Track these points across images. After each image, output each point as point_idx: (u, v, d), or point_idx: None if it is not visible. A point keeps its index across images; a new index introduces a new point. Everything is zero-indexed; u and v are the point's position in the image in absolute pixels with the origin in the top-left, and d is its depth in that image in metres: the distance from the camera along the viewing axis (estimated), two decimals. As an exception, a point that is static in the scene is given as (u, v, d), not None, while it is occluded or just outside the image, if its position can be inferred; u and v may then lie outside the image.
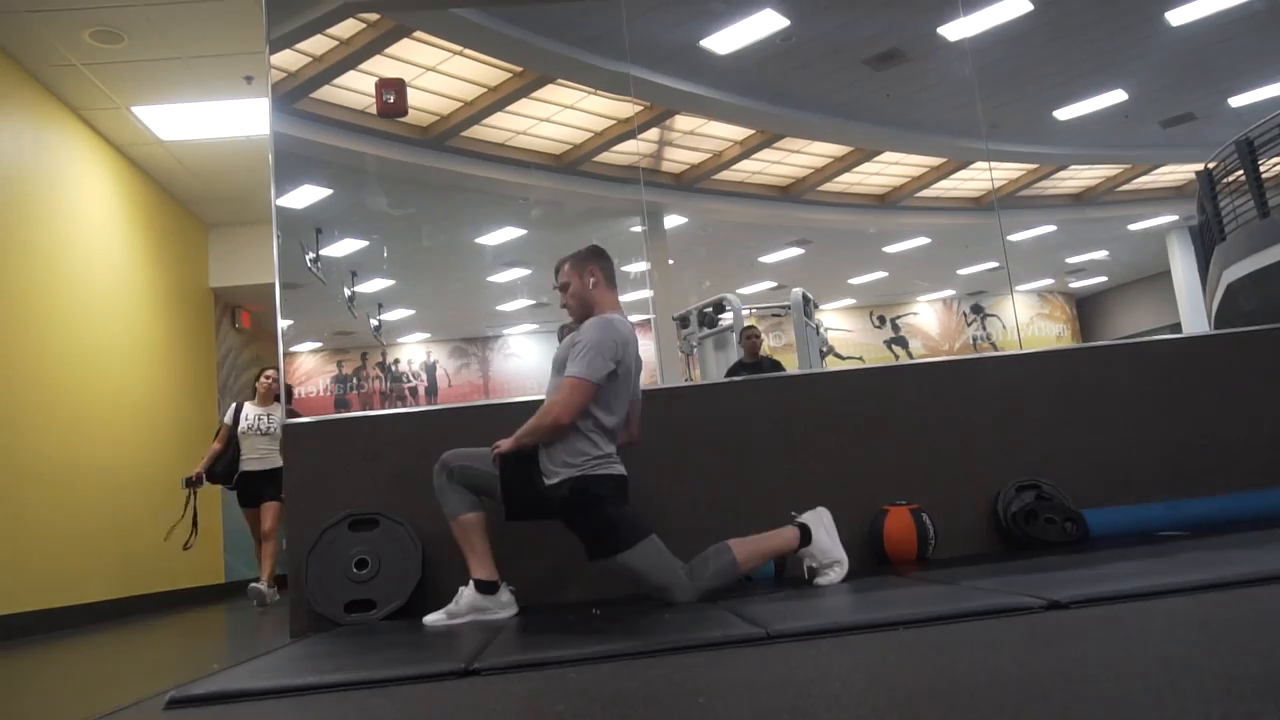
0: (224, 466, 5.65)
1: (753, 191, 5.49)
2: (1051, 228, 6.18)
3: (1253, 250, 5.27)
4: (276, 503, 5.49)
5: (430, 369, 5.74)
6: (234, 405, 5.74)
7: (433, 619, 2.90)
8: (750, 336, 5.26)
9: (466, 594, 2.90)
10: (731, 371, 5.11)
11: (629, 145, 4.82)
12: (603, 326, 2.92)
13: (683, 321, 5.11)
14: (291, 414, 3.95)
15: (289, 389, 4.27)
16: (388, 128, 4.57)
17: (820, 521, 3.00)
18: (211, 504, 8.03)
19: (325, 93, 4.51)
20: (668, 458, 3.66)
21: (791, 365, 5.22)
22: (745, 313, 5.29)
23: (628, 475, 2.96)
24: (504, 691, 1.66)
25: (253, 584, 5.36)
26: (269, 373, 5.71)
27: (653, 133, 5.13)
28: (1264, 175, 5.37)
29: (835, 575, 2.94)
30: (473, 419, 3.71)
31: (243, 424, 5.67)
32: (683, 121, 5.20)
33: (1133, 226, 6.69)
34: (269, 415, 5.63)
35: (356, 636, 2.83)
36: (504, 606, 2.94)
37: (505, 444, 2.90)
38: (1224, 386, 3.88)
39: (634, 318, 5.26)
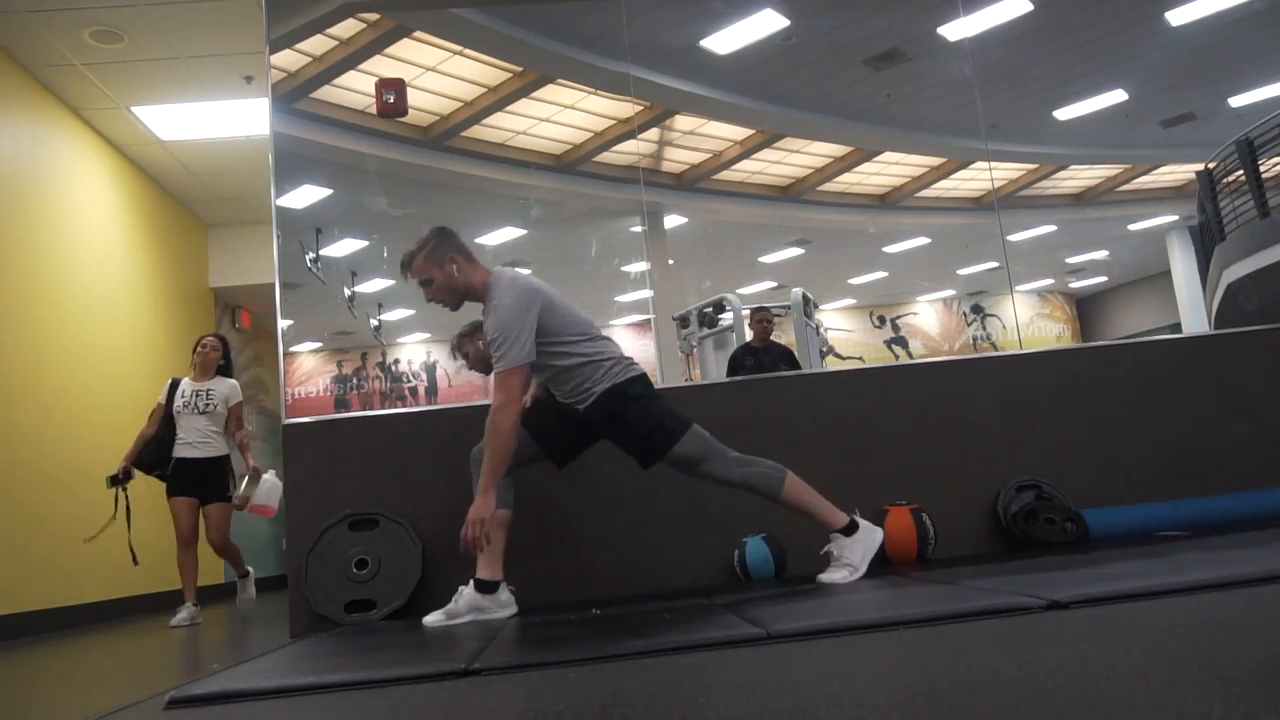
0: (154, 453, 4.81)
1: (753, 191, 5.49)
2: (1051, 228, 6.17)
3: (1253, 250, 5.27)
4: (221, 504, 4.74)
5: (430, 369, 5.73)
6: (169, 382, 4.98)
7: (432, 619, 2.90)
8: (761, 320, 5.12)
9: (466, 593, 2.90)
10: (738, 356, 5.02)
11: (629, 145, 4.82)
12: (502, 309, 2.77)
13: (683, 321, 5.11)
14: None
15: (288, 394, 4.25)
16: (388, 128, 4.57)
17: (870, 533, 3.00)
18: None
19: (325, 93, 4.51)
20: (668, 458, 3.66)
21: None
22: (745, 313, 5.29)
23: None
24: (504, 691, 1.66)
25: (242, 597, 5.07)
26: (206, 340, 4.92)
27: (653, 133, 5.13)
28: (1264, 175, 5.37)
29: (840, 577, 2.94)
30: (473, 419, 3.69)
31: (178, 401, 4.83)
32: (683, 121, 5.20)
33: (1133, 226, 6.69)
34: (209, 391, 4.81)
35: (356, 636, 2.83)
36: (503, 606, 2.94)
37: (481, 502, 2.74)
38: (1224, 386, 3.88)
39: (634, 318, 5.26)
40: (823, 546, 3.01)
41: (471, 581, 2.91)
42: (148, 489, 4.95)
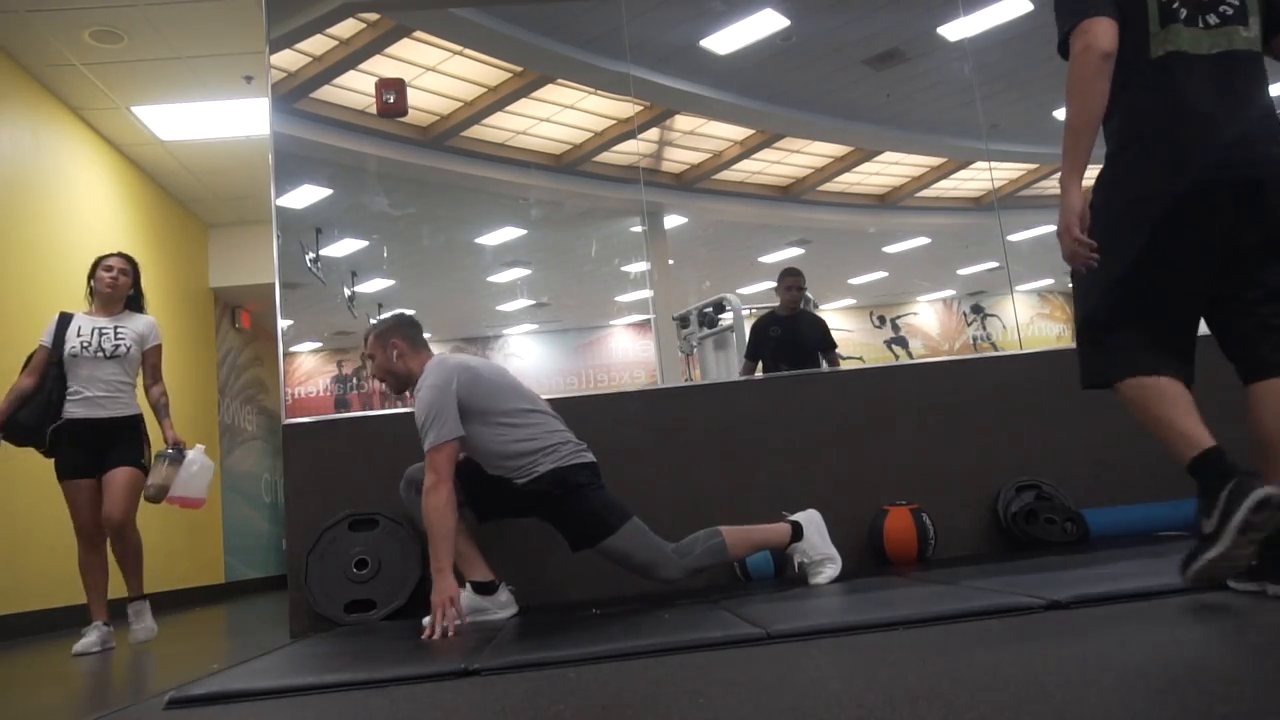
0: (35, 415, 3.51)
1: (753, 191, 5.49)
2: (1052, 228, 6.15)
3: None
4: (129, 469, 3.53)
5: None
6: (57, 317, 3.70)
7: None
8: (790, 287, 4.73)
9: (464, 596, 2.90)
10: (762, 326, 4.74)
11: (629, 145, 4.82)
12: (422, 397, 2.81)
13: (683, 321, 5.10)
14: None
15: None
16: (388, 128, 4.57)
17: (811, 521, 3.02)
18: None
19: (325, 93, 4.51)
20: (667, 458, 3.66)
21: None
22: (745, 313, 5.28)
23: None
24: (504, 691, 1.66)
25: (136, 627, 3.76)
26: (111, 260, 3.74)
27: (653, 133, 5.13)
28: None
29: (829, 572, 2.95)
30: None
31: (70, 344, 3.56)
32: (683, 121, 5.20)
33: (1133, 226, 6.68)
34: (117, 329, 3.64)
35: (356, 636, 2.83)
36: (503, 606, 2.94)
37: (442, 585, 2.65)
38: (1223, 386, 3.87)
39: (634, 318, 5.26)
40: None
41: (468, 584, 2.91)
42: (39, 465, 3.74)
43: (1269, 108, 1.94)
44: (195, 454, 3.65)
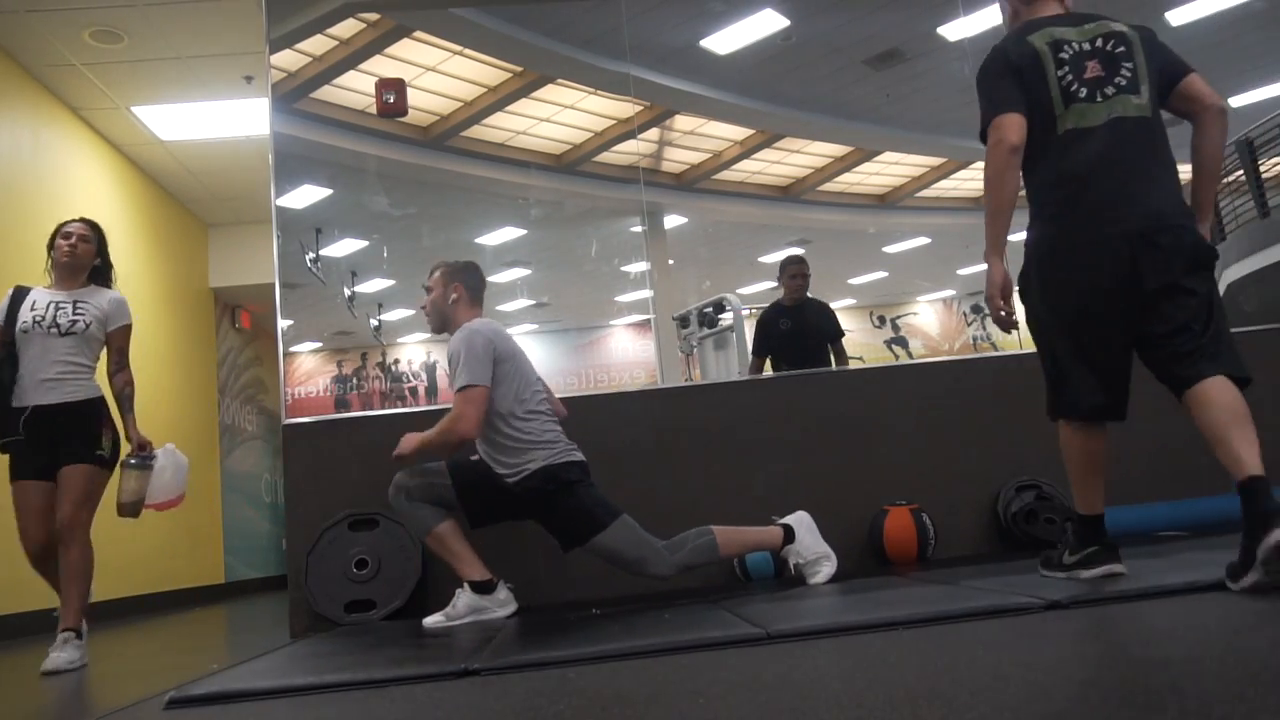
0: None
1: (753, 191, 5.49)
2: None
3: (1253, 250, 5.27)
4: (85, 467, 3.01)
5: (430, 369, 5.73)
6: (11, 291, 3.25)
7: (432, 621, 2.89)
8: (795, 275, 4.52)
9: (463, 596, 2.90)
10: (769, 319, 4.57)
11: (629, 145, 4.82)
12: (462, 335, 2.92)
13: (683, 321, 5.10)
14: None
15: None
16: (388, 128, 4.57)
17: (801, 523, 3.03)
18: (210, 501, 8.03)
19: (325, 93, 4.51)
20: (667, 458, 3.66)
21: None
22: (745, 313, 5.28)
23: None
24: (504, 691, 1.66)
25: (55, 656, 2.92)
26: (72, 226, 3.28)
27: (653, 133, 5.13)
28: (1264, 175, 5.36)
29: (826, 570, 2.96)
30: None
31: (23, 317, 3.11)
32: (683, 121, 5.20)
33: (1133, 226, 6.68)
34: (76, 303, 3.16)
35: (356, 636, 2.83)
36: (502, 604, 2.94)
37: (407, 447, 2.90)
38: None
39: (634, 318, 5.26)
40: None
41: (466, 584, 2.91)
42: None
43: (1164, 165, 2.28)
44: (164, 456, 3.28)
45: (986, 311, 2.36)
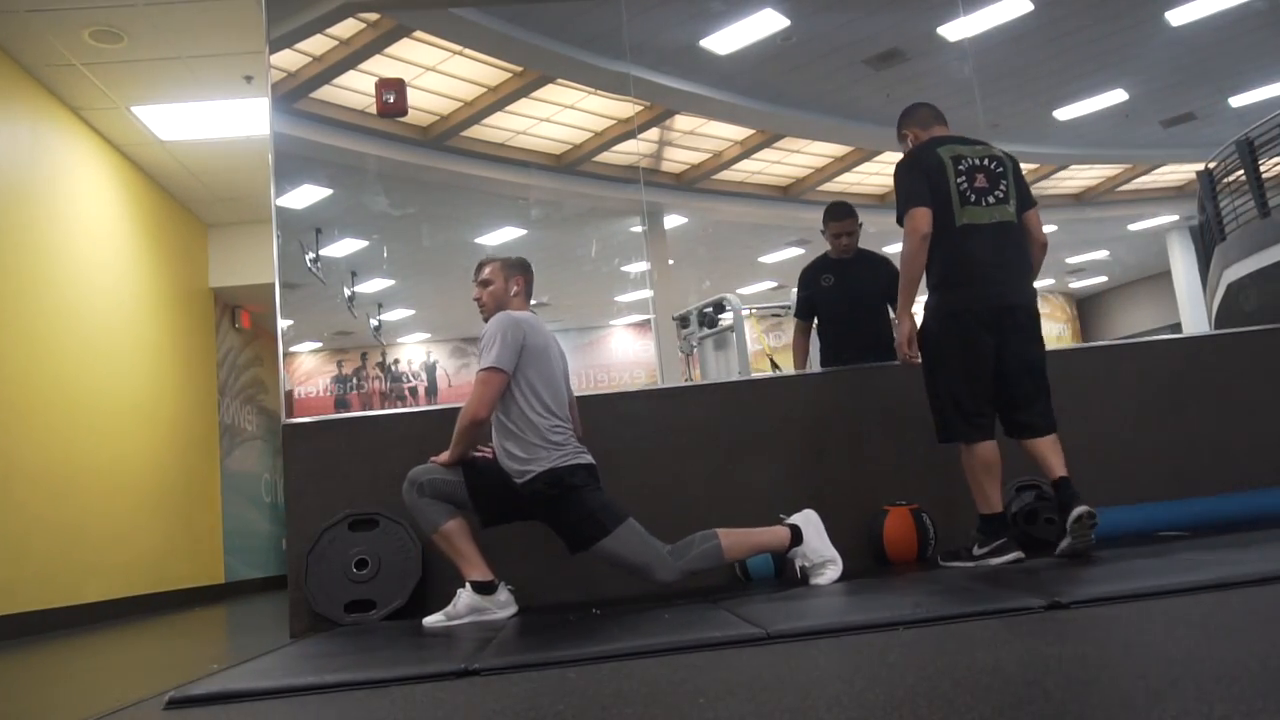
0: None
1: (753, 191, 5.49)
2: (1052, 228, 6.14)
3: (1253, 250, 5.27)
4: None
5: (430, 369, 5.73)
6: None
7: (432, 621, 2.89)
8: (839, 234, 3.98)
9: (464, 596, 2.90)
10: (811, 275, 4.10)
11: (629, 145, 4.83)
12: (500, 319, 2.95)
13: (683, 321, 5.10)
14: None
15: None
16: (388, 128, 4.57)
17: (810, 522, 3.01)
18: (210, 501, 8.04)
19: (325, 93, 4.51)
20: (667, 458, 3.66)
21: (790, 365, 5.21)
22: (745, 313, 5.28)
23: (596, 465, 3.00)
24: (504, 691, 1.66)
25: None
26: None
27: (653, 133, 5.13)
28: (1264, 175, 5.36)
29: (831, 574, 2.94)
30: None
31: None
32: (683, 121, 5.20)
33: (1133, 226, 6.69)
34: None
35: (356, 636, 2.83)
36: (503, 606, 2.94)
37: (443, 457, 2.95)
38: (1224, 386, 3.88)
39: (634, 318, 5.26)
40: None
41: (468, 584, 2.91)
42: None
43: (1025, 261, 3.07)
44: None
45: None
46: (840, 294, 4.02)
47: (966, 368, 2.96)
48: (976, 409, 2.97)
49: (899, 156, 3.25)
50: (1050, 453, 2.98)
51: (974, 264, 2.96)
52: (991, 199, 2.99)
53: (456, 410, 3.30)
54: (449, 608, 2.90)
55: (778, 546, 2.99)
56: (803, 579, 2.99)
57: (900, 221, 3.01)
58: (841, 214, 4.05)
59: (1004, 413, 3.02)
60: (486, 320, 3.08)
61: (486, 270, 3.14)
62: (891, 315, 3.91)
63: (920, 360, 3.05)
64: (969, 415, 2.97)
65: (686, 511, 3.49)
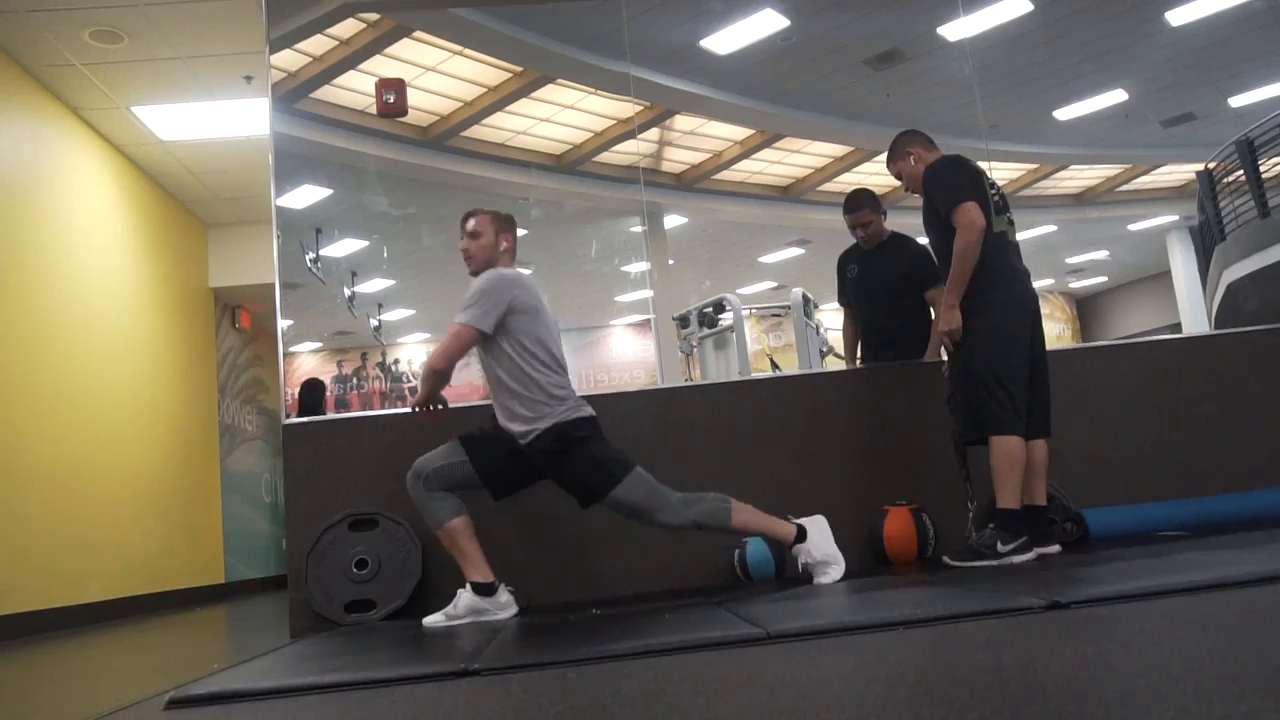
0: None
1: (753, 191, 5.49)
2: (1052, 228, 6.17)
3: (1253, 250, 5.27)
4: None
5: (430, 369, 5.72)
6: None
7: (432, 621, 2.90)
8: (854, 225, 3.79)
9: (465, 597, 2.90)
10: (840, 264, 3.99)
11: (629, 145, 4.83)
12: (491, 277, 2.95)
13: (683, 321, 5.10)
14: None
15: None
16: (388, 128, 4.57)
17: (816, 524, 3.02)
18: (210, 501, 8.04)
19: (325, 93, 4.51)
20: (667, 458, 3.66)
21: (790, 365, 5.21)
22: (745, 313, 5.28)
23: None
24: (503, 692, 1.66)
25: None
26: None
27: (653, 133, 5.13)
28: (1264, 175, 5.36)
29: (834, 574, 2.94)
30: (473, 419, 3.70)
31: None
32: (683, 121, 5.20)
33: (1133, 226, 6.69)
34: None
35: (356, 636, 2.83)
36: (503, 607, 2.94)
37: (413, 400, 3.14)
38: (1224, 386, 3.88)
39: (634, 318, 5.26)
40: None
41: (468, 585, 2.91)
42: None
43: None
44: None
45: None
46: (863, 285, 3.91)
47: (1022, 361, 3.06)
48: (1023, 401, 3.05)
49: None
50: (1042, 475, 3.14)
51: (1014, 266, 3.14)
52: (1008, 218, 3.21)
53: (456, 410, 3.31)
54: (449, 608, 2.90)
55: (782, 537, 3.00)
56: (805, 576, 3.00)
57: (940, 217, 3.10)
58: (853, 206, 3.83)
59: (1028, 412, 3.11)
60: (474, 273, 3.06)
61: (474, 222, 3.09)
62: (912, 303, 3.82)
63: (954, 352, 3.14)
64: (1020, 408, 3.03)
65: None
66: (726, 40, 4.99)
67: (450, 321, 2.91)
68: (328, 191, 4.54)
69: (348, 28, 4.52)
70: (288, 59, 4.35)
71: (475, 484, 2.94)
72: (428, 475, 2.90)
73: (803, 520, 3.02)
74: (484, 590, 2.90)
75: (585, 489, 2.92)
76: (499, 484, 2.98)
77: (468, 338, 2.89)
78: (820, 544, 2.98)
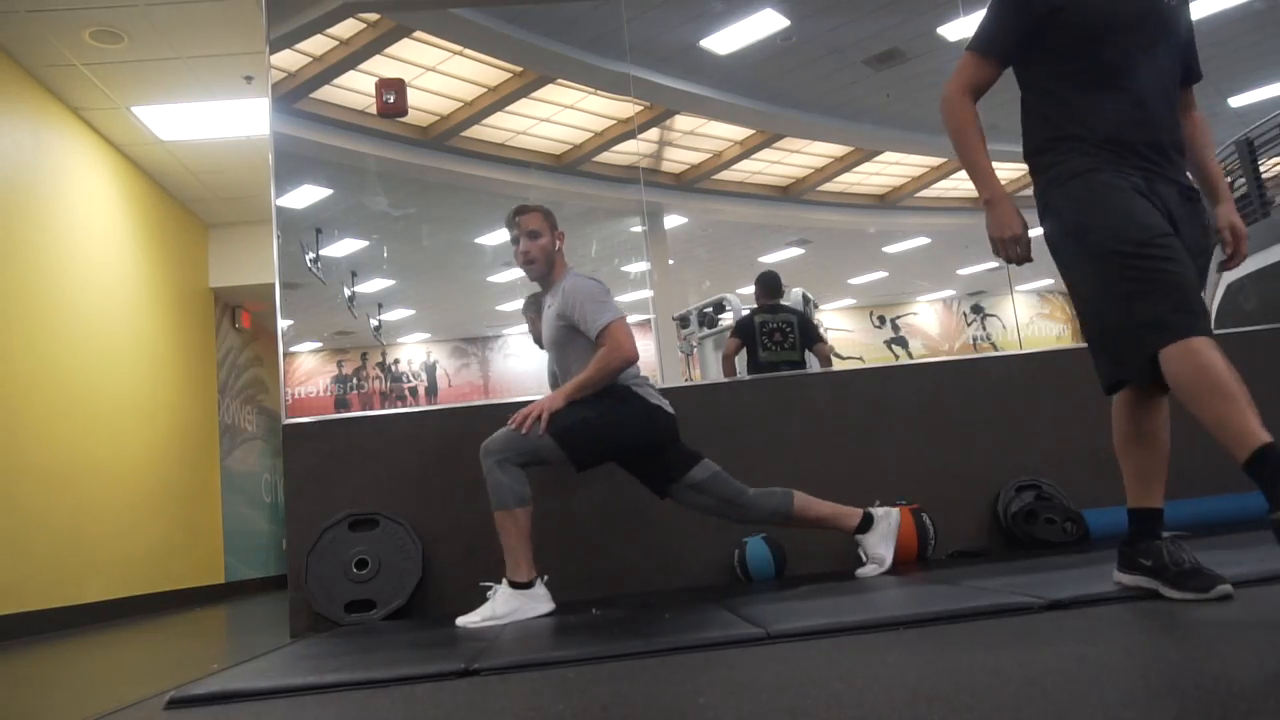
0: None
1: (753, 191, 5.49)
2: (1051, 228, 6.15)
3: (1252, 250, 5.26)
4: None
5: (430, 369, 5.73)
6: None
7: (468, 620, 2.80)
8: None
9: (503, 593, 2.83)
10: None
11: (629, 145, 4.82)
12: (581, 285, 3.03)
13: (683, 321, 5.10)
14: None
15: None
16: (388, 128, 4.57)
17: (886, 518, 3.11)
18: (210, 501, 8.04)
19: (325, 93, 4.51)
20: (668, 458, 3.66)
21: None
22: (745, 313, 5.28)
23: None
24: (504, 692, 1.66)
25: None
26: None
27: (653, 133, 5.13)
28: (1264, 175, 5.36)
29: (872, 571, 3.06)
30: (473, 419, 3.70)
31: None
32: (683, 121, 5.20)
33: (1133, 226, 6.67)
34: None
35: (356, 636, 2.83)
36: (542, 600, 2.87)
37: (556, 402, 2.88)
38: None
39: (634, 318, 5.25)
40: (819, 546, 3.15)
41: (505, 582, 2.86)
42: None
43: None
44: None
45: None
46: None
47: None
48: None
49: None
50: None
51: None
52: None
53: (456, 410, 3.31)
54: (487, 608, 2.82)
55: (844, 526, 3.10)
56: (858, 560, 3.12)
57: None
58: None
59: None
60: (535, 277, 3.13)
61: (531, 222, 3.05)
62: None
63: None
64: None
65: (687, 512, 3.49)
66: (726, 40, 4.99)
67: (597, 328, 2.95)
68: (328, 191, 4.53)
69: (348, 28, 4.52)
70: (288, 59, 4.35)
71: (551, 459, 2.90)
72: (505, 456, 2.83)
73: (878, 510, 3.13)
74: (524, 586, 2.85)
75: (671, 464, 3.04)
76: (584, 451, 2.95)
77: (626, 325, 2.98)
78: (874, 543, 3.08)
